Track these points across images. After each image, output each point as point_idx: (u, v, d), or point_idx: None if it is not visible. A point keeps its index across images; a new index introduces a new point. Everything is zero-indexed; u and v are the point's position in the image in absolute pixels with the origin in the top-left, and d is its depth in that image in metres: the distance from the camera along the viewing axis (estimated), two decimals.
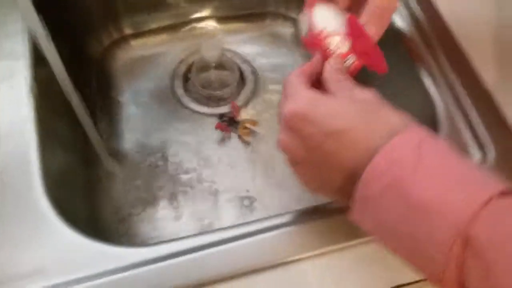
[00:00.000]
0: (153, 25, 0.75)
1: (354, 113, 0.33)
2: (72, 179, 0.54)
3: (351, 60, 0.39)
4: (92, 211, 0.56)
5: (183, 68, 0.72)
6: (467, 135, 0.47)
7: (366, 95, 0.35)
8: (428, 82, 0.51)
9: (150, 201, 0.61)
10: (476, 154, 0.46)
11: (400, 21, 0.56)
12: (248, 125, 0.67)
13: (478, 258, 0.26)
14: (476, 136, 0.47)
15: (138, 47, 0.74)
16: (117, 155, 0.65)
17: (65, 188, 0.48)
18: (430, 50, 0.53)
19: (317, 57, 0.39)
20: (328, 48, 0.38)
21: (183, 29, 0.76)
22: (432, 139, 0.31)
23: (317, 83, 0.38)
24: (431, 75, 0.51)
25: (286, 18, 0.78)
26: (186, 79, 0.72)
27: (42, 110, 0.48)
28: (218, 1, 0.75)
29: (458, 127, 0.48)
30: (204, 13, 0.76)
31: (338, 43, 0.38)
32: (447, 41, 0.53)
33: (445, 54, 0.52)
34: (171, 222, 0.60)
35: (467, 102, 0.48)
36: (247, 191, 0.62)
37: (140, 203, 0.61)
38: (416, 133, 0.31)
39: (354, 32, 0.38)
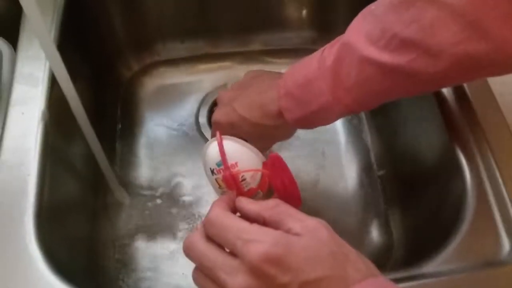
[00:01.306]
0: (185, 54, 0.73)
1: (328, 258, 0.31)
2: (75, 209, 0.53)
3: (260, 194, 0.40)
4: (90, 244, 0.54)
5: (209, 101, 0.71)
6: (498, 219, 0.43)
7: (322, 231, 0.32)
8: (462, 157, 0.46)
9: (154, 236, 0.59)
10: (505, 243, 0.41)
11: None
12: None
13: None
14: (508, 222, 0.42)
15: (168, 75, 0.73)
16: (129, 184, 0.63)
17: (61, 224, 0.46)
18: (470, 123, 0.48)
19: (232, 192, 0.39)
20: (240, 183, 0.39)
21: (214, 61, 0.74)
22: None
23: None
24: (467, 150, 0.46)
25: None
26: (212, 112, 0.70)
27: (52, 138, 0.47)
28: (252, 35, 0.73)
29: (489, 210, 0.43)
30: (238, 47, 0.74)
31: (250, 178, 0.39)
32: (492, 118, 0.48)
33: (486, 132, 0.47)
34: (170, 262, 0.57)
35: (502, 187, 0.44)
36: None
37: (142, 237, 0.59)
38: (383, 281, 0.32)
39: (273, 169, 0.40)
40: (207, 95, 0.71)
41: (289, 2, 0.71)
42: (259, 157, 0.41)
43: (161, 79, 0.73)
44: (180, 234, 0.60)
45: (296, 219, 0.33)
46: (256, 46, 0.74)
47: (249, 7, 0.70)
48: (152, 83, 0.72)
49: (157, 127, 0.69)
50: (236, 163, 0.39)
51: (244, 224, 0.32)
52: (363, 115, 0.69)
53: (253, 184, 0.40)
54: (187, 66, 0.73)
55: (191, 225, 0.61)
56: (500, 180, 0.44)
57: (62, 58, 0.42)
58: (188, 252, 0.34)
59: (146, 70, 0.73)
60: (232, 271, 0.30)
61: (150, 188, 0.63)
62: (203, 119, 0.69)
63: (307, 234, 0.31)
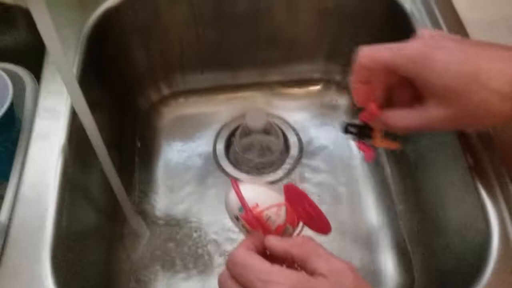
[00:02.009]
0: (205, 85, 0.74)
1: None
2: (92, 243, 0.52)
3: (290, 229, 0.39)
4: (106, 279, 0.54)
5: (227, 131, 0.71)
6: None
7: (347, 275, 0.32)
8: (484, 195, 0.45)
9: (170, 268, 0.59)
10: None
11: None
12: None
13: None
14: None
15: (186, 105, 0.74)
16: (147, 215, 0.63)
17: (78, 260, 0.46)
18: (491, 158, 0.47)
19: (259, 233, 0.38)
20: (266, 222, 0.38)
21: (233, 92, 0.74)
22: None
23: None
24: (489, 187, 0.45)
25: (339, 86, 0.75)
26: (229, 143, 0.70)
27: (71, 171, 0.48)
28: (270, 67, 0.74)
29: None
30: (256, 78, 0.74)
31: (274, 216, 0.39)
32: None
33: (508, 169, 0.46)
34: None
35: None
36: None
37: (159, 270, 0.59)
38: None
39: (292, 199, 0.39)
40: (225, 125, 0.71)
41: (307, 35, 0.72)
42: (279, 194, 0.40)
43: (180, 109, 0.73)
44: (196, 269, 0.59)
45: (323, 259, 0.33)
46: (274, 77, 0.74)
47: (268, 39, 0.70)
48: (170, 113, 0.73)
49: (175, 158, 0.69)
50: (257, 204, 0.39)
51: (265, 265, 0.33)
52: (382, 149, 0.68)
53: (279, 221, 0.39)
54: (206, 96, 0.74)
55: (210, 259, 0.60)
56: None
57: (83, 90, 0.42)
58: (220, 287, 0.35)
59: (165, 101, 0.74)
60: None
61: (168, 219, 0.63)
62: (220, 150, 0.69)
63: (332, 277, 0.31)
